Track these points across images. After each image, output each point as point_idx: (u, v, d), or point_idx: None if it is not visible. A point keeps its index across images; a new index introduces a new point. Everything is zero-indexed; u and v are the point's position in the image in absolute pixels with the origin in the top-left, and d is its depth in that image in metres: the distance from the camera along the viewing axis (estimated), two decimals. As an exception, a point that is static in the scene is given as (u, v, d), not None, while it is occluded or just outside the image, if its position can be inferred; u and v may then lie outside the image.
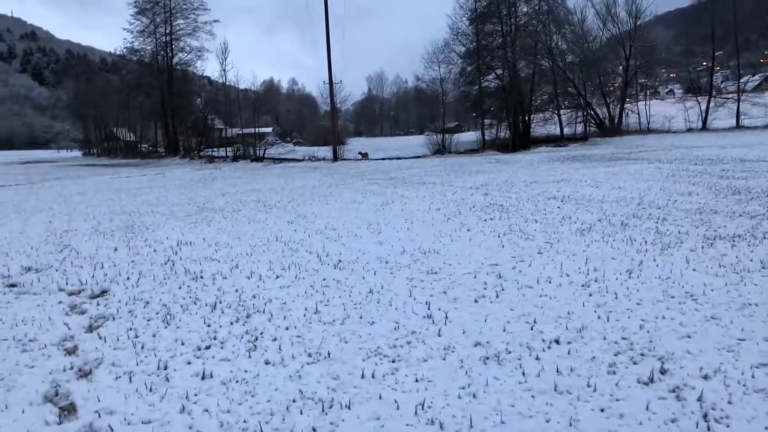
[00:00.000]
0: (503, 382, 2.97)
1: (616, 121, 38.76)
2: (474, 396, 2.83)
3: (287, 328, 3.92)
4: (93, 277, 5.64)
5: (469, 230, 7.20)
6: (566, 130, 36.82)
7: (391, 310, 4.23)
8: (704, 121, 36.96)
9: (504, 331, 3.67)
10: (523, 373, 3.04)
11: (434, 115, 39.75)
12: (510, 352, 3.33)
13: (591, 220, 7.43)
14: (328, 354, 3.44)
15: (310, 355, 3.44)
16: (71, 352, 3.69)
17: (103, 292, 5.09)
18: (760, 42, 45.59)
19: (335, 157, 30.84)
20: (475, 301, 4.32)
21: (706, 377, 2.87)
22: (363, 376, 3.12)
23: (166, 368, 3.34)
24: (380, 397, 2.87)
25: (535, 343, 3.45)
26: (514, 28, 34.00)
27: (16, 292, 5.21)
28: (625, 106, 39.77)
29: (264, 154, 34.68)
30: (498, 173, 15.82)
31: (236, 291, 4.91)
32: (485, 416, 2.63)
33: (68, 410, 2.90)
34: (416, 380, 3.04)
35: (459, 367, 3.17)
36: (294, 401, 2.87)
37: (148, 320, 4.23)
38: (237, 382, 3.12)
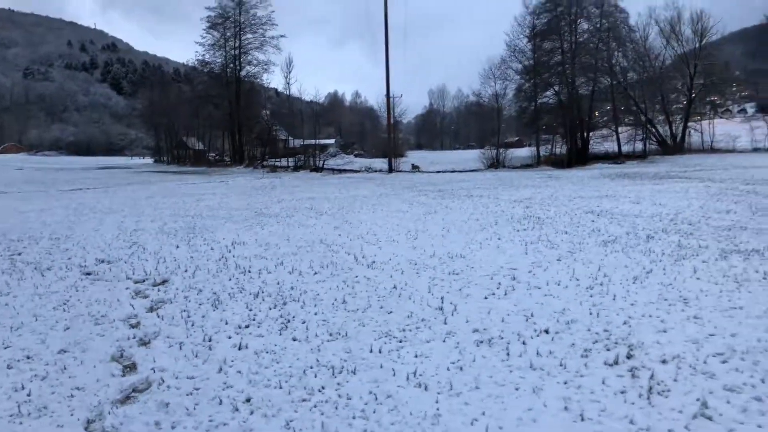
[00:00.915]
0: (489, 360, 3.47)
1: (678, 139, 37.54)
2: (461, 369, 3.35)
3: (316, 314, 4.55)
4: (156, 269, 6.47)
5: (499, 239, 7.61)
6: (626, 148, 35.91)
7: (409, 302, 4.78)
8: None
9: (502, 321, 4.16)
10: (508, 354, 3.53)
11: (494, 130, 39.94)
12: (502, 338, 3.81)
13: (619, 232, 7.68)
14: (346, 333, 4.05)
15: (330, 335, 4.06)
16: (134, 326, 4.46)
17: (164, 281, 5.89)
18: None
19: (390, 169, 31.70)
20: (485, 298, 4.80)
21: (664, 362, 3.25)
22: (371, 351, 3.69)
23: (210, 340, 4.03)
24: (381, 366, 3.43)
25: (526, 332, 3.91)
26: (574, 45, 33.89)
27: (91, 279, 6.09)
28: (689, 124, 38.42)
29: (323, 164, 35.81)
30: (545, 188, 15.99)
31: (278, 283, 5.60)
32: (465, 383, 3.15)
33: (130, 367, 3.64)
34: (415, 356, 3.59)
35: (454, 347, 3.69)
36: (311, 367, 3.48)
37: (200, 304, 4.96)
38: (267, 352, 3.76)
